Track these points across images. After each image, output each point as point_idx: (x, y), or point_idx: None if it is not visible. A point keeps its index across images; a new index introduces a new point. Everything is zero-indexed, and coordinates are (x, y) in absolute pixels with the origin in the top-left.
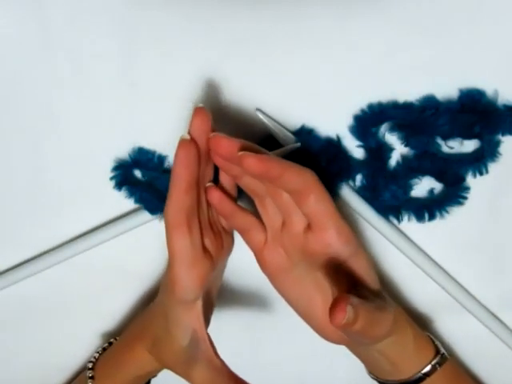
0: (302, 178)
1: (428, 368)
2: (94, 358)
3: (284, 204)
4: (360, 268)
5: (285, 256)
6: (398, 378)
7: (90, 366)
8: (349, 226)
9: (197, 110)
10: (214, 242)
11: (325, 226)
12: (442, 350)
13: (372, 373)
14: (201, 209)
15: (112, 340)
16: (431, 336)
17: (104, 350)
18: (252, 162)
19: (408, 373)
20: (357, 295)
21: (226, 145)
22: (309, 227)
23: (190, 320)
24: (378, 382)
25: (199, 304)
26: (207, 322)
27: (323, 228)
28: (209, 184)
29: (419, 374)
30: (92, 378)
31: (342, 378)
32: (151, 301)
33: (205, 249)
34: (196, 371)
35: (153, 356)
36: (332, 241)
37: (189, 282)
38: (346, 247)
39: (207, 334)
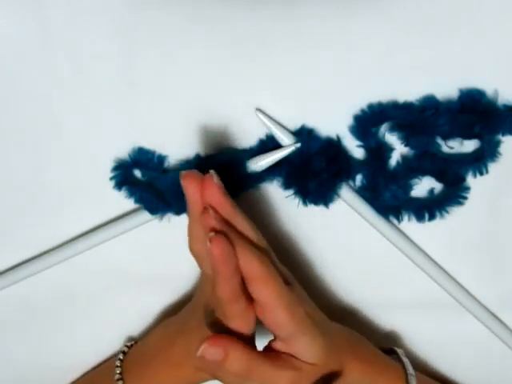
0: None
1: None
2: (120, 360)
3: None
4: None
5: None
6: None
7: (118, 371)
8: (295, 306)
9: (207, 181)
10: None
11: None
12: (410, 371)
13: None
14: None
15: (132, 343)
16: (397, 351)
17: (124, 353)
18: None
19: None
20: None
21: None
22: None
23: None
24: None
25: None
26: None
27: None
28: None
29: None
30: (121, 379)
31: None
32: (151, 300)
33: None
34: None
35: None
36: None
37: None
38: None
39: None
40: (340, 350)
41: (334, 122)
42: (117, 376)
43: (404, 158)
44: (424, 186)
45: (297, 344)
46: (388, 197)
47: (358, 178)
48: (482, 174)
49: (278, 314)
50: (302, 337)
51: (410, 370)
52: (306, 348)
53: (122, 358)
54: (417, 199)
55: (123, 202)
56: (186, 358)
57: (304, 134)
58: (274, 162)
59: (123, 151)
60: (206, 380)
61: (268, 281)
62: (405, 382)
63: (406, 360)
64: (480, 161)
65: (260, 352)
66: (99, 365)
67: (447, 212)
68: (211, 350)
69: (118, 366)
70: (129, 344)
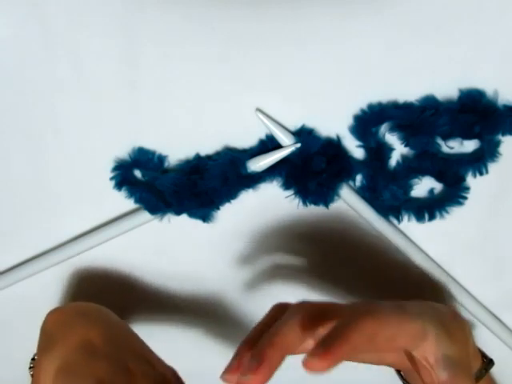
0: (361, 331)
1: (475, 376)
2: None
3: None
4: (430, 347)
5: None
6: None
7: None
8: (410, 316)
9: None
10: None
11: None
12: (489, 356)
13: (409, 379)
14: None
15: None
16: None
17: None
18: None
19: None
20: None
21: None
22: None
23: None
24: None
25: None
26: None
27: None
28: None
29: None
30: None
31: (342, 377)
32: (151, 300)
33: None
34: None
35: None
36: (398, 343)
37: None
38: (411, 340)
39: None
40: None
41: (334, 122)
42: (30, 363)
43: (404, 157)
44: (424, 186)
45: (425, 345)
46: (388, 197)
47: (358, 178)
48: (481, 174)
49: (401, 330)
50: (428, 339)
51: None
52: (434, 345)
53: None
54: (417, 199)
55: (123, 201)
56: None
57: (304, 134)
58: (274, 162)
59: (123, 151)
60: None
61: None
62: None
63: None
64: (480, 161)
65: None
66: None
67: (447, 212)
68: None
69: (33, 359)
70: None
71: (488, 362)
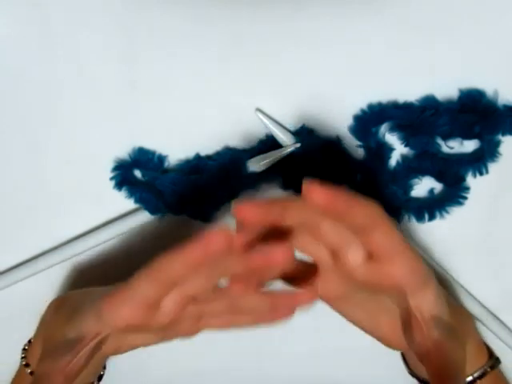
0: (369, 212)
1: (480, 372)
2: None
3: (331, 237)
4: (428, 300)
5: (341, 285)
6: None
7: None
8: (419, 258)
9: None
10: None
11: (391, 259)
12: (496, 354)
13: (416, 372)
14: None
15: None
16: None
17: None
18: (319, 194)
19: None
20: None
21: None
22: (372, 258)
23: None
24: (421, 381)
25: None
26: None
27: (389, 261)
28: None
29: (469, 378)
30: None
31: (342, 378)
32: None
33: None
34: None
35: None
36: (398, 273)
37: None
38: (412, 279)
39: None
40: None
41: (334, 122)
42: (22, 354)
43: (404, 157)
44: (424, 186)
45: (424, 295)
46: (388, 197)
47: (358, 178)
48: (481, 174)
49: (406, 262)
50: (428, 289)
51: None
52: (433, 300)
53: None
54: (417, 199)
55: (123, 201)
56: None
57: (304, 134)
58: (273, 162)
59: (123, 151)
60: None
61: (388, 226)
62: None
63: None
64: (480, 161)
65: None
66: None
67: (447, 212)
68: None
69: (24, 349)
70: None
71: (494, 361)
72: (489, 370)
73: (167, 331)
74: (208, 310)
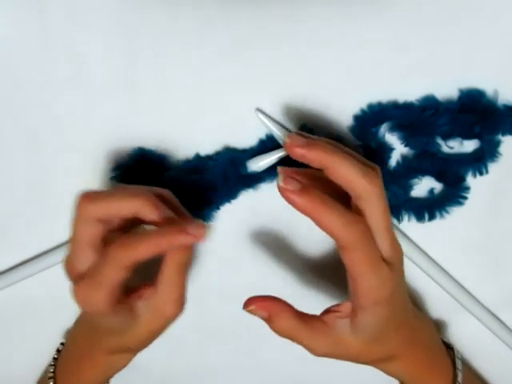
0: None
1: None
2: (55, 358)
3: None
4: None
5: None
6: None
7: (52, 369)
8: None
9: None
10: None
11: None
12: (459, 367)
13: None
14: None
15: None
16: (449, 345)
17: (59, 351)
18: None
19: None
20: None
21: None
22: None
23: None
24: None
25: None
26: None
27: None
28: None
29: None
30: (52, 378)
31: (343, 378)
32: None
33: None
34: None
35: (119, 351)
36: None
37: None
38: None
39: None
40: (398, 331)
41: (334, 122)
42: (49, 374)
43: (404, 157)
44: (424, 186)
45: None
46: (388, 197)
47: None
48: (481, 174)
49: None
50: (373, 274)
51: (459, 365)
52: (374, 286)
53: (56, 356)
54: (417, 199)
55: None
56: (94, 343)
57: None
58: (273, 161)
59: (123, 151)
60: (117, 370)
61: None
62: (452, 376)
63: (459, 356)
64: (480, 161)
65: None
66: None
67: (447, 212)
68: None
69: (51, 365)
70: (64, 341)
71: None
72: (458, 371)
73: None
74: None
